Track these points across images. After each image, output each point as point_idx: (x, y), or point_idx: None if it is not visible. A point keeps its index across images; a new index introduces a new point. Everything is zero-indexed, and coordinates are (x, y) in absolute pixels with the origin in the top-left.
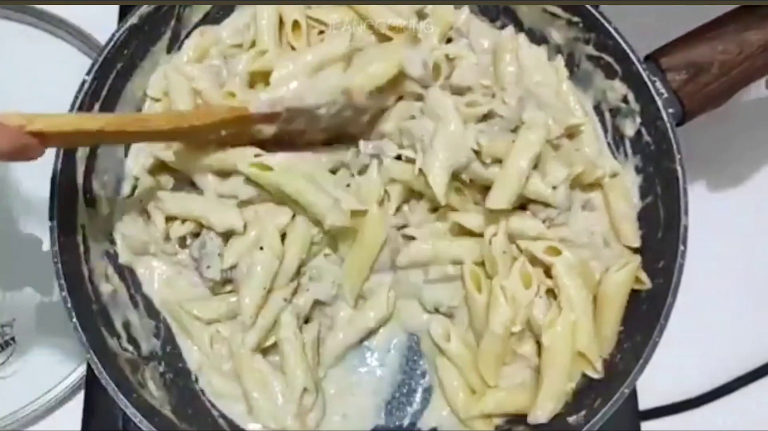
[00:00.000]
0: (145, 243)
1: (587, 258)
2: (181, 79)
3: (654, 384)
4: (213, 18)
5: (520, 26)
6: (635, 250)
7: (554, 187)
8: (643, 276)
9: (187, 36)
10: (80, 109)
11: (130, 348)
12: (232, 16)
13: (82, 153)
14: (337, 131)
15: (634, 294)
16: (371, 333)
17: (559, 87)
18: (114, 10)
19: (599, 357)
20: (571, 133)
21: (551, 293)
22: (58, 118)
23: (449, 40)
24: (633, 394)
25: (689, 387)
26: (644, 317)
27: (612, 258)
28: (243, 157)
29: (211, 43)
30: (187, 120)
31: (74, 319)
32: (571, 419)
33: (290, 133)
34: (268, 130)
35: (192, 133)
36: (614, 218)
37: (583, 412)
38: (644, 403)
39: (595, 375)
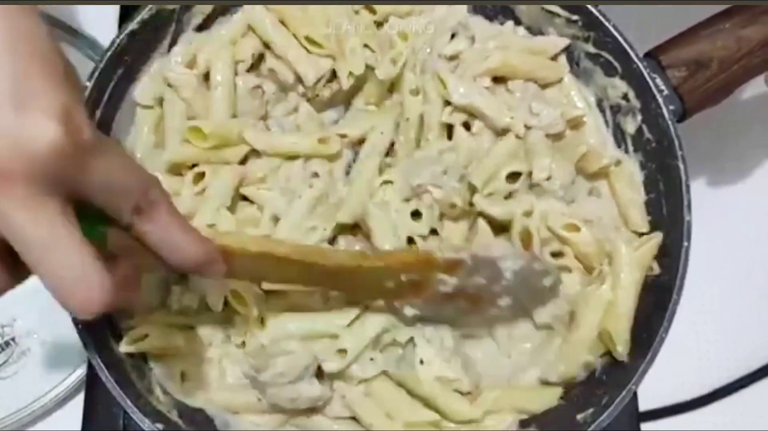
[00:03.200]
0: None
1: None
2: (171, 91)
3: (654, 385)
4: (210, 23)
5: (518, 24)
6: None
7: (548, 178)
8: (653, 264)
9: None
10: None
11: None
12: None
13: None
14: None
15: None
16: None
17: (561, 80)
18: (115, 13)
19: (626, 341)
20: (575, 125)
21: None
22: (245, 237)
23: (452, 36)
24: (633, 395)
25: (690, 389)
26: (650, 314)
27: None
28: None
29: (198, 49)
30: (370, 260)
31: (79, 324)
32: (579, 416)
33: (465, 296)
34: (450, 281)
35: (370, 273)
36: (621, 205)
37: (591, 410)
38: (644, 404)
39: (620, 357)
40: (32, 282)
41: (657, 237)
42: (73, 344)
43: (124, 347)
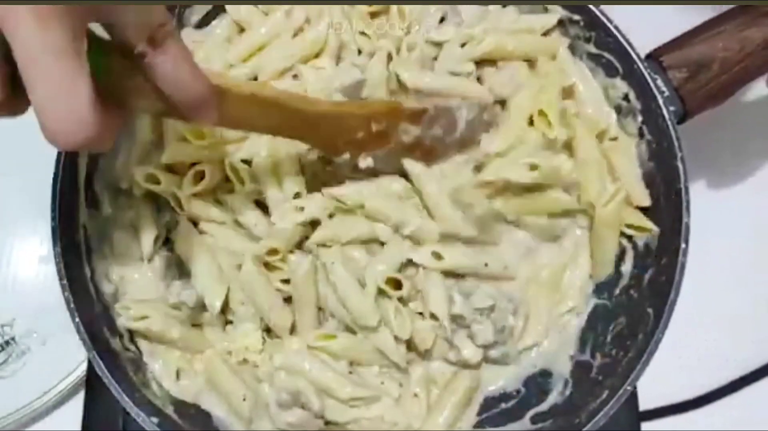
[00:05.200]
0: (131, 255)
1: None
2: None
3: (654, 385)
4: (210, 19)
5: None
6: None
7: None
8: (649, 224)
9: None
10: None
11: (132, 348)
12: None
13: (84, 153)
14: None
15: (636, 293)
16: None
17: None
18: None
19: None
20: (568, 95)
21: None
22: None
23: (442, 19)
24: (633, 395)
25: (690, 388)
26: (647, 314)
27: None
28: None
29: (196, 47)
30: (350, 107)
31: (77, 319)
32: (576, 416)
33: (422, 148)
34: (412, 131)
35: (347, 123)
36: (620, 180)
37: (587, 410)
38: (644, 404)
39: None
40: (32, 282)
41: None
42: (73, 343)
43: (122, 322)
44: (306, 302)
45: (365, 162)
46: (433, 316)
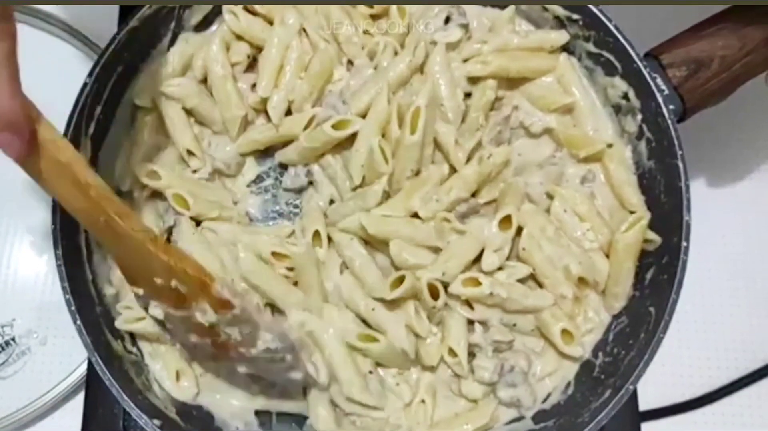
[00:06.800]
0: None
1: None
2: (172, 102)
3: (654, 385)
4: (210, 21)
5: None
6: None
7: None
8: (652, 235)
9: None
10: (81, 110)
11: (134, 350)
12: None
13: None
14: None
15: (638, 291)
16: None
17: (555, 61)
18: (114, 11)
19: None
20: (568, 110)
21: None
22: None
23: (447, 19)
24: (634, 395)
25: (690, 388)
26: (648, 313)
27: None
28: None
29: (196, 49)
30: (157, 246)
31: (78, 322)
32: (578, 416)
33: (214, 339)
34: (209, 315)
35: (148, 257)
36: (615, 186)
37: (589, 409)
38: (644, 404)
39: None
40: (33, 283)
41: (645, 218)
42: (73, 344)
43: (120, 324)
44: (310, 284)
45: (156, 311)
46: (452, 352)
